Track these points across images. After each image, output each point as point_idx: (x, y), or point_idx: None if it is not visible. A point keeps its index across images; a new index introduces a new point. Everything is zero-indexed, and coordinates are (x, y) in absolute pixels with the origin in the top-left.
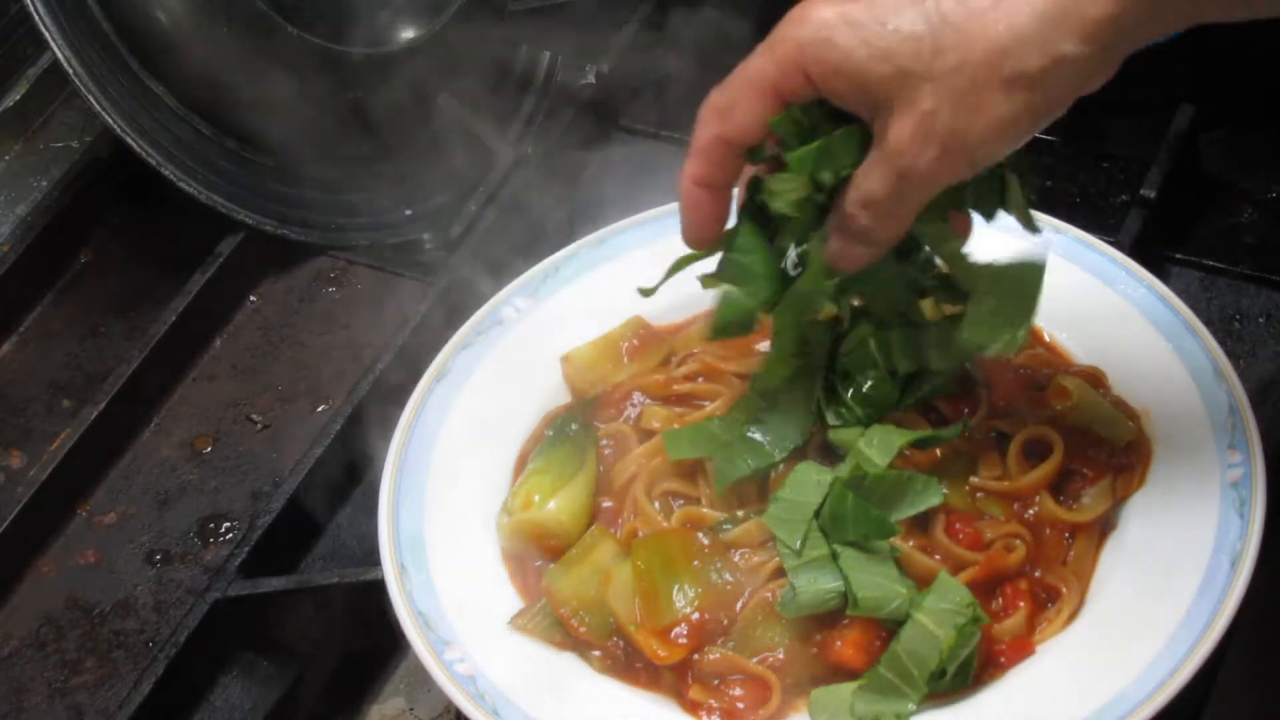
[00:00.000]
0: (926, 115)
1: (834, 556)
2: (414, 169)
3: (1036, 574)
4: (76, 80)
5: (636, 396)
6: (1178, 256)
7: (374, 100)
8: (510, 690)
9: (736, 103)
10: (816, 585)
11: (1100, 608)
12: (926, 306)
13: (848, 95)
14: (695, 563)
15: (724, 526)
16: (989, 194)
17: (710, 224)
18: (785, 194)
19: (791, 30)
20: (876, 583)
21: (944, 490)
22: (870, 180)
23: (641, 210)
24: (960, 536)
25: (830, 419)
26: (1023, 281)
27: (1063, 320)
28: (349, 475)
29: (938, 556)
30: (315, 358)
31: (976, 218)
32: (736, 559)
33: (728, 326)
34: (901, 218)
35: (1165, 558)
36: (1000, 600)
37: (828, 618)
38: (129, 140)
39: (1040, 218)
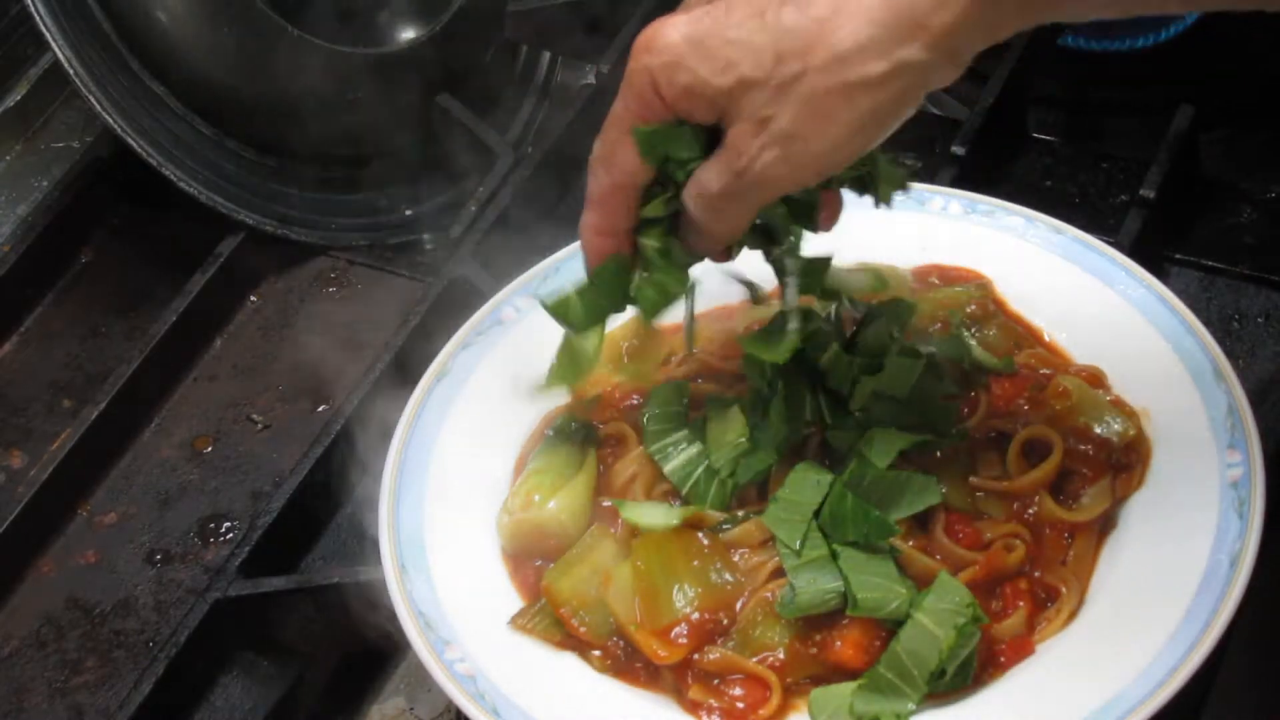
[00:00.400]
0: (765, 120)
1: (834, 556)
2: (414, 169)
3: (1036, 574)
4: (77, 80)
5: (636, 396)
6: (1177, 256)
7: (374, 100)
8: (510, 690)
9: (615, 147)
10: (816, 585)
11: (1100, 608)
12: None
13: (700, 112)
14: (695, 563)
15: (724, 526)
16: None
17: None
18: (654, 204)
19: (644, 60)
20: (876, 583)
21: (943, 490)
22: (707, 173)
23: None
24: (960, 536)
25: (830, 419)
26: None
27: (1063, 320)
28: (349, 475)
29: (938, 556)
30: (315, 358)
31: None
32: (736, 559)
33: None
34: (733, 216)
35: (1165, 557)
36: (1000, 600)
37: (827, 618)
38: (129, 140)
39: (1040, 218)
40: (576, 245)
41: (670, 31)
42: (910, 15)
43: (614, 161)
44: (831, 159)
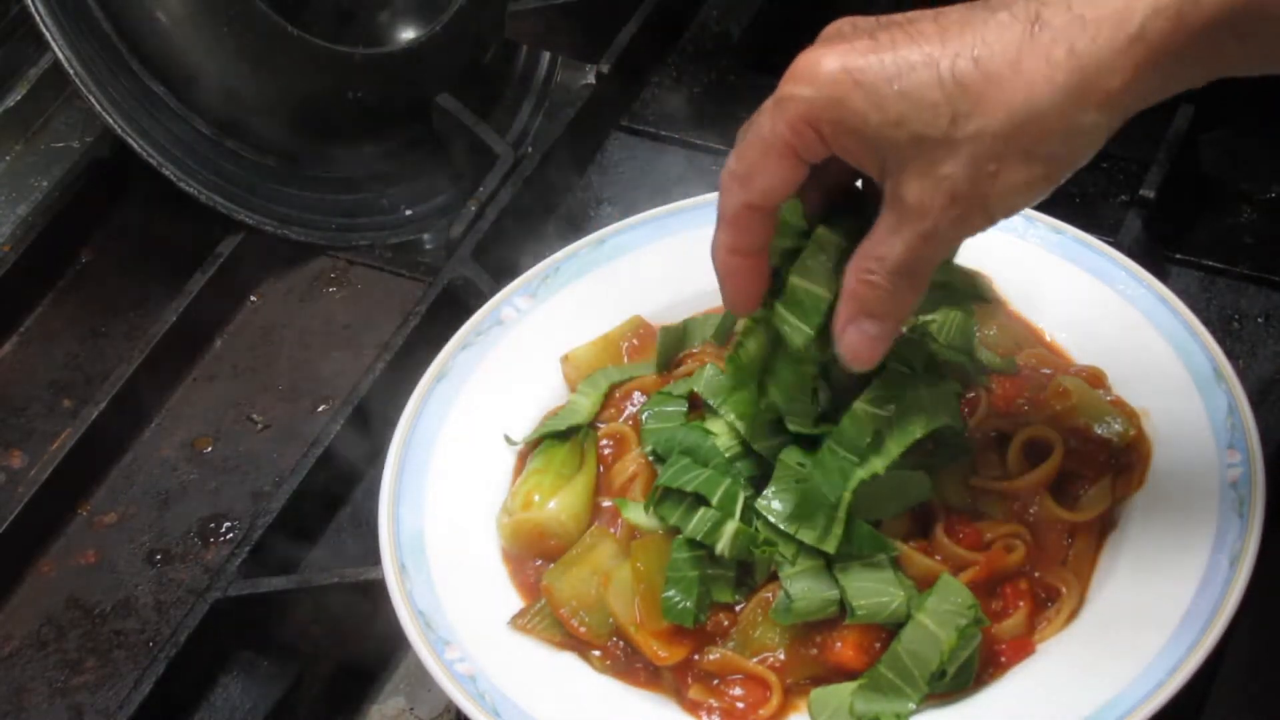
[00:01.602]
0: (946, 179)
1: (829, 565)
2: (414, 169)
3: (1036, 574)
4: (77, 80)
5: (636, 396)
6: (1178, 256)
7: (374, 100)
8: (510, 690)
9: (755, 168)
10: (812, 594)
11: (1100, 608)
12: None
13: (859, 155)
14: None
15: None
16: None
17: (752, 290)
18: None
19: (800, 89)
20: (872, 588)
21: (937, 486)
22: (892, 245)
23: (641, 210)
24: (960, 537)
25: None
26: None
27: (1063, 320)
28: (349, 475)
29: (938, 557)
30: (315, 358)
31: None
32: None
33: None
34: (920, 281)
35: (1165, 557)
36: (1000, 600)
37: (827, 619)
38: (129, 140)
39: (1040, 217)
40: (576, 245)
41: (829, 62)
42: (1086, 79)
43: (753, 182)
44: (1003, 210)
